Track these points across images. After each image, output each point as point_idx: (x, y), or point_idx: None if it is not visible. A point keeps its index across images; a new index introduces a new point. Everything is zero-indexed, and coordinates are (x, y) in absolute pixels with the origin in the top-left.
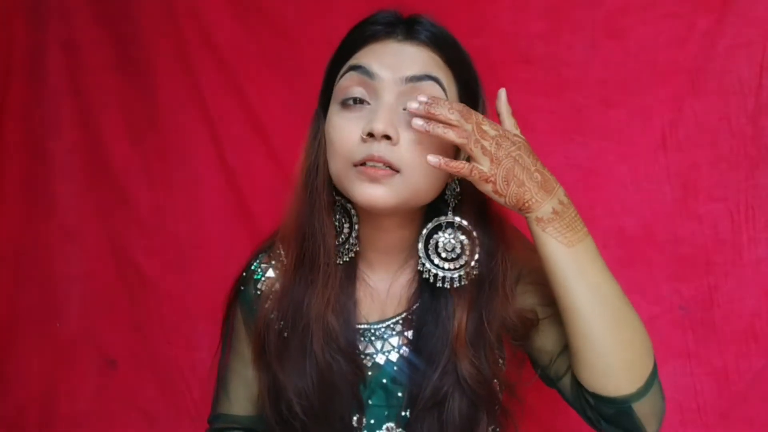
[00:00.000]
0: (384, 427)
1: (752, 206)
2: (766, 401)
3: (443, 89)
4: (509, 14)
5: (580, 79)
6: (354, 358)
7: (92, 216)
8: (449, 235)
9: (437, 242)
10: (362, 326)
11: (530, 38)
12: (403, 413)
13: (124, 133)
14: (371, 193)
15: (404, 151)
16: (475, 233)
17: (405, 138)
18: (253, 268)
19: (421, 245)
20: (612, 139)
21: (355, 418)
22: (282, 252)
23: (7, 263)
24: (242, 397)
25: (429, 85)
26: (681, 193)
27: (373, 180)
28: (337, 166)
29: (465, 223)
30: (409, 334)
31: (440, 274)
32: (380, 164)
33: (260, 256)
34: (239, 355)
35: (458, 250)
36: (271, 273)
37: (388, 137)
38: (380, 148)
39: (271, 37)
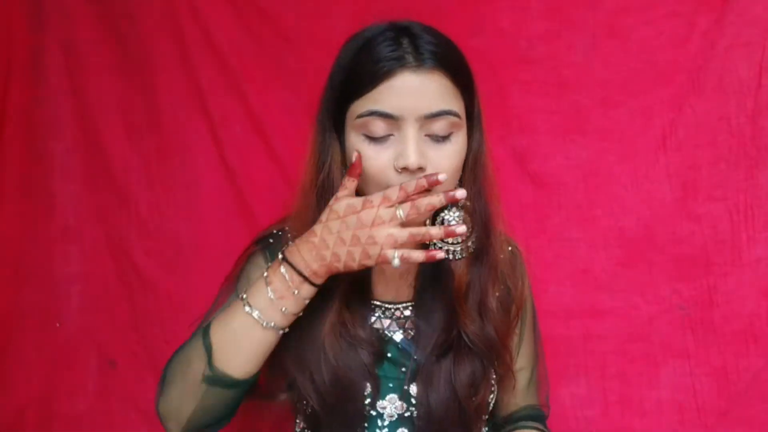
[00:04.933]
0: (387, 398)
1: (752, 206)
2: (766, 401)
3: (456, 115)
4: (509, 14)
5: (580, 79)
6: (373, 347)
7: (92, 216)
8: (454, 212)
9: (443, 219)
10: (375, 302)
11: (530, 38)
12: (406, 387)
13: (124, 134)
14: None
15: (433, 170)
16: (476, 211)
17: (432, 159)
18: (280, 233)
19: (428, 222)
20: (612, 139)
21: (367, 390)
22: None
23: (8, 263)
24: None
25: (445, 117)
26: (681, 193)
27: None
28: (371, 191)
29: (469, 203)
30: (413, 321)
31: (445, 247)
32: None
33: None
34: None
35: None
36: None
37: (421, 168)
38: (416, 177)
39: (271, 38)
